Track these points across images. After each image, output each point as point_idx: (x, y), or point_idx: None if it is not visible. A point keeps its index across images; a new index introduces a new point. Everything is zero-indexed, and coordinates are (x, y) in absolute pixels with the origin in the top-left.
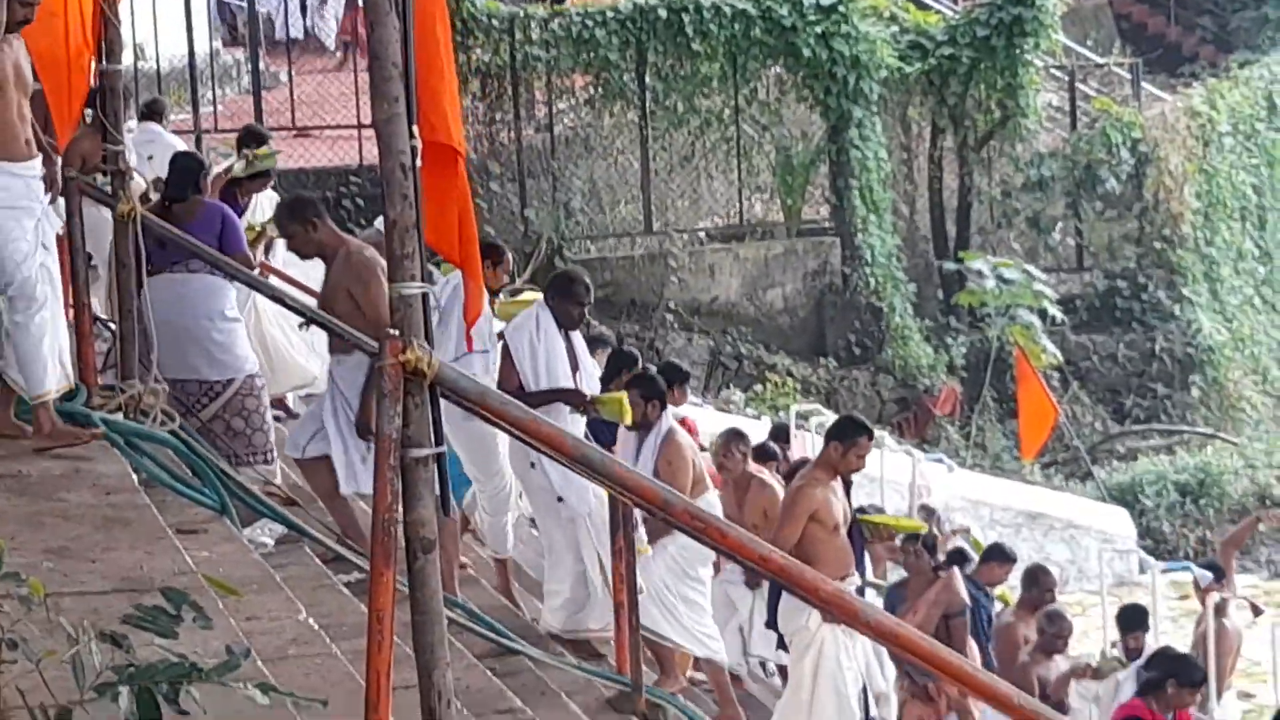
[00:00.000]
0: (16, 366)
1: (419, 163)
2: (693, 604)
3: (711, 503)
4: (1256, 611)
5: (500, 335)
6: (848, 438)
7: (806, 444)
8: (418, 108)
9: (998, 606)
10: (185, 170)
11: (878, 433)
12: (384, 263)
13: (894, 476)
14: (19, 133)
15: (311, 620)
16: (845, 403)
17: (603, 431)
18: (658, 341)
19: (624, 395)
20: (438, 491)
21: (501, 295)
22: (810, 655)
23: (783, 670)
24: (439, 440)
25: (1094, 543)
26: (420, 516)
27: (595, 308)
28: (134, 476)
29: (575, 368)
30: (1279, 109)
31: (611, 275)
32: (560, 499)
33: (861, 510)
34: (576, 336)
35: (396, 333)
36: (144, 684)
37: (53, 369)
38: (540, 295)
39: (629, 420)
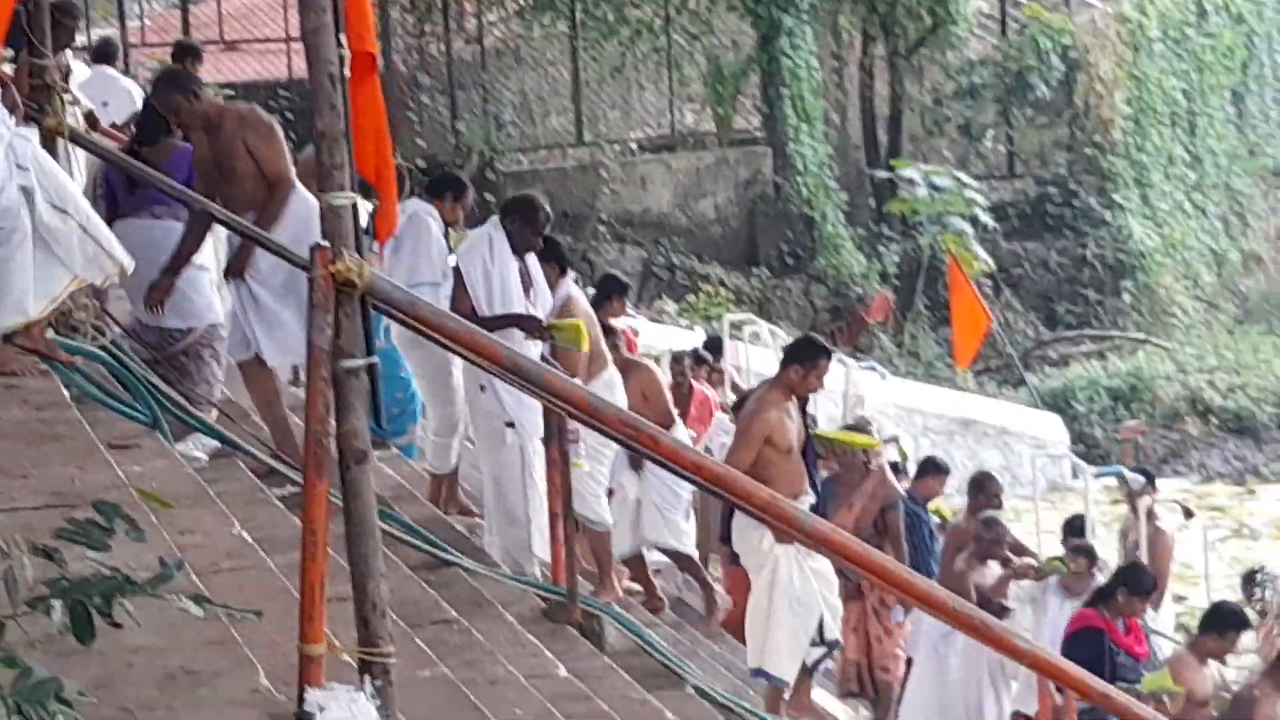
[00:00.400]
0: None
1: (347, 73)
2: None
3: (611, 381)
4: (1188, 515)
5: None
6: (807, 359)
7: (739, 353)
8: (345, 17)
9: (935, 520)
10: (156, 111)
11: None
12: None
13: (827, 384)
14: None
15: (245, 534)
16: (778, 312)
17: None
18: (590, 253)
19: (580, 322)
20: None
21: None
22: (764, 575)
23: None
24: (370, 351)
25: (1027, 449)
26: (353, 428)
27: None
28: (65, 392)
29: (528, 292)
30: (1208, 14)
31: (543, 187)
32: (510, 424)
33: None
34: (531, 260)
35: (327, 244)
36: (77, 597)
37: (27, 306)
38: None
39: (586, 346)
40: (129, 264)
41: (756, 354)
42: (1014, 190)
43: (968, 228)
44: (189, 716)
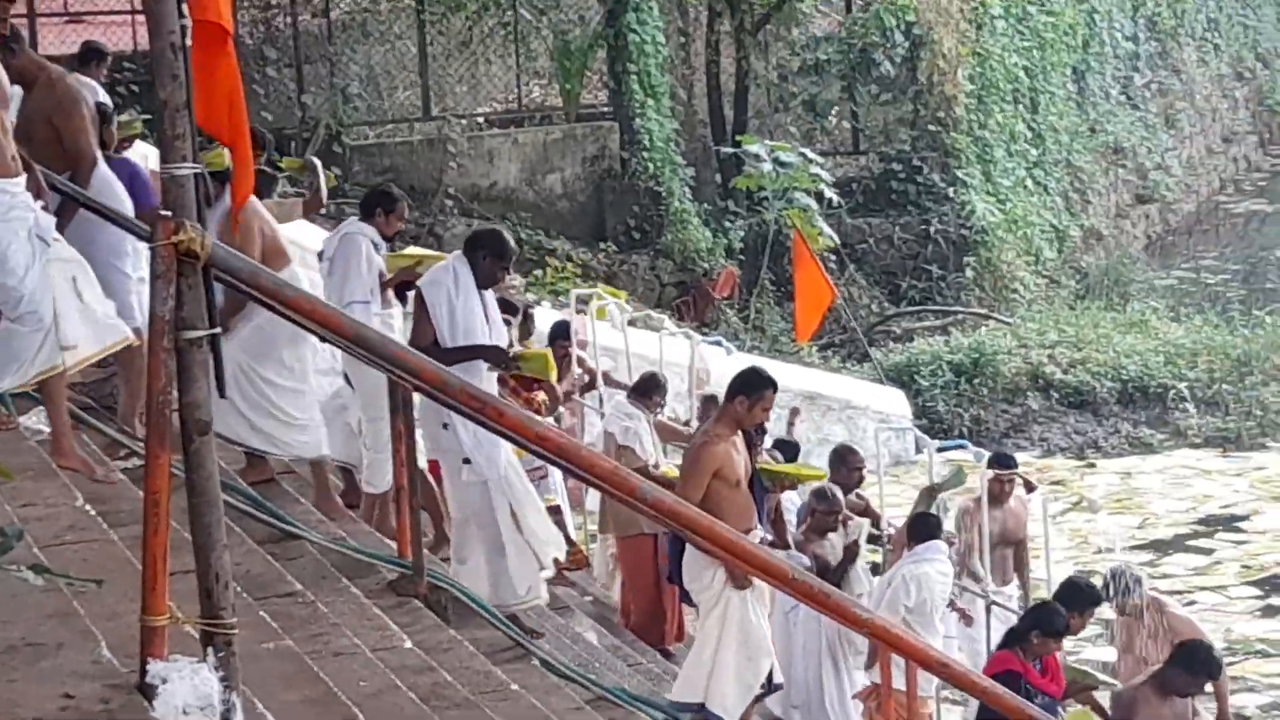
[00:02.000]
0: None
1: (189, 42)
2: (282, 390)
3: (295, 275)
4: (1029, 488)
5: (400, 289)
6: (753, 391)
7: (586, 328)
8: None
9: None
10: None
11: (656, 315)
12: (88, 98)
13: (673, 359)
14: (5, 147)
15: (88, 507)
16: (625, 286)
17: None
18: (437, 227)
19: (548, 352)
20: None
21: (387, 248)
22: (715, 613)
23: None
24: (213, 322)
25: (871, 423)
26: (195, 399)
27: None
28: None
29: (487, 324)
30: None
31: (390, 161)
32: (467, 460)
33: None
34: (488, 294)
35: (169, 213)
36: None
37: (25, 375)
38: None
39: (554, 375)
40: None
41: (603, 328)
42: (859, 166)
43: (813, 203)
44: (30, 689)
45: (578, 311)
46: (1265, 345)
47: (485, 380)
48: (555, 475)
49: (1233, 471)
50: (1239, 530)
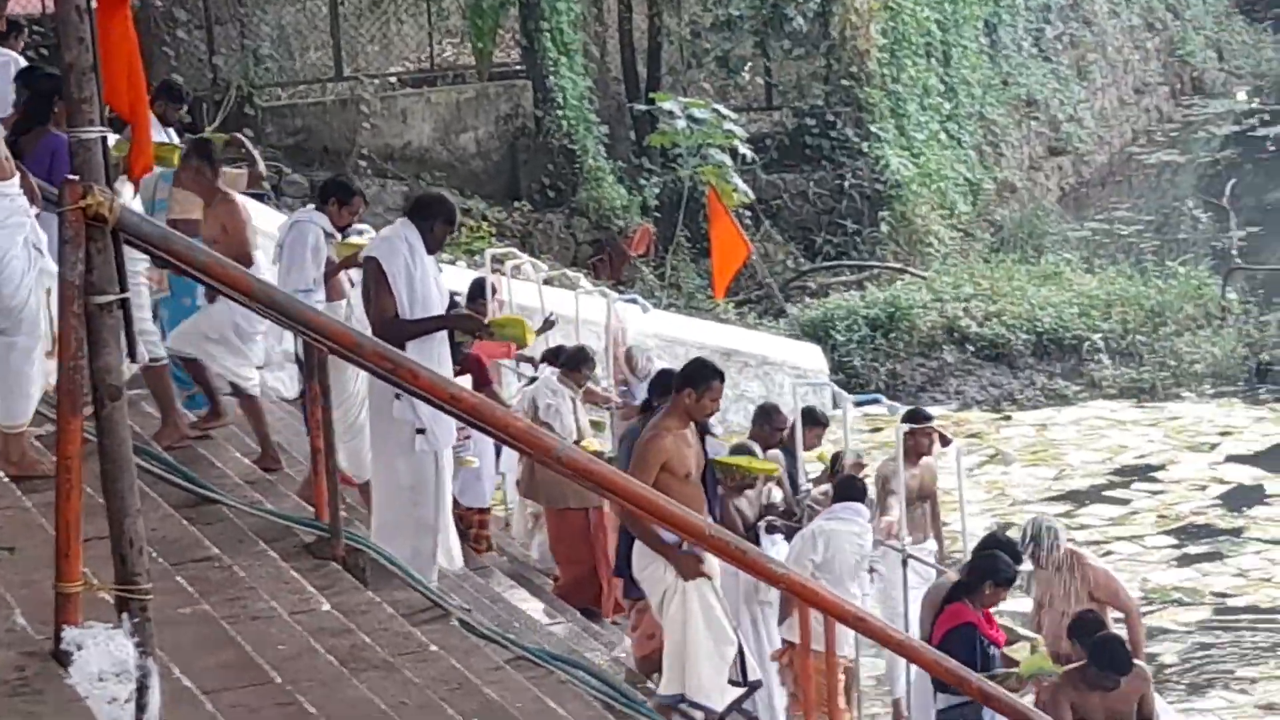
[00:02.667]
0: None
1: (94, 4)
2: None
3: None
4: (945, 442)
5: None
6: (700, 383)
7: (503, 287)
8: None
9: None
10: (41, 95)
11: (573, 274)
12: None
13: (590, 317)
14: None
15: (1, 474)
16: (540, 245)
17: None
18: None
19: (522, 318)
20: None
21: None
22: (674, 606)
23: None
24: (124, 286)
25: (787, 378)
26: (106, 364)
27: (286, 155)
28: None
29: (438, 291)
30: None
31: (303, 122)
32: (421, 430)
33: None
34: (432, 259)
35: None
36: None
37: (35, 397)
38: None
39: (531, 341)
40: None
41: (519, 287)
42: (772, 122)
43: (727, 160)
44: None
45: (494, 270)
46: (1178, 295)
47: (441, 348)
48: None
49: (1147, 422)
50: (1154, 480)
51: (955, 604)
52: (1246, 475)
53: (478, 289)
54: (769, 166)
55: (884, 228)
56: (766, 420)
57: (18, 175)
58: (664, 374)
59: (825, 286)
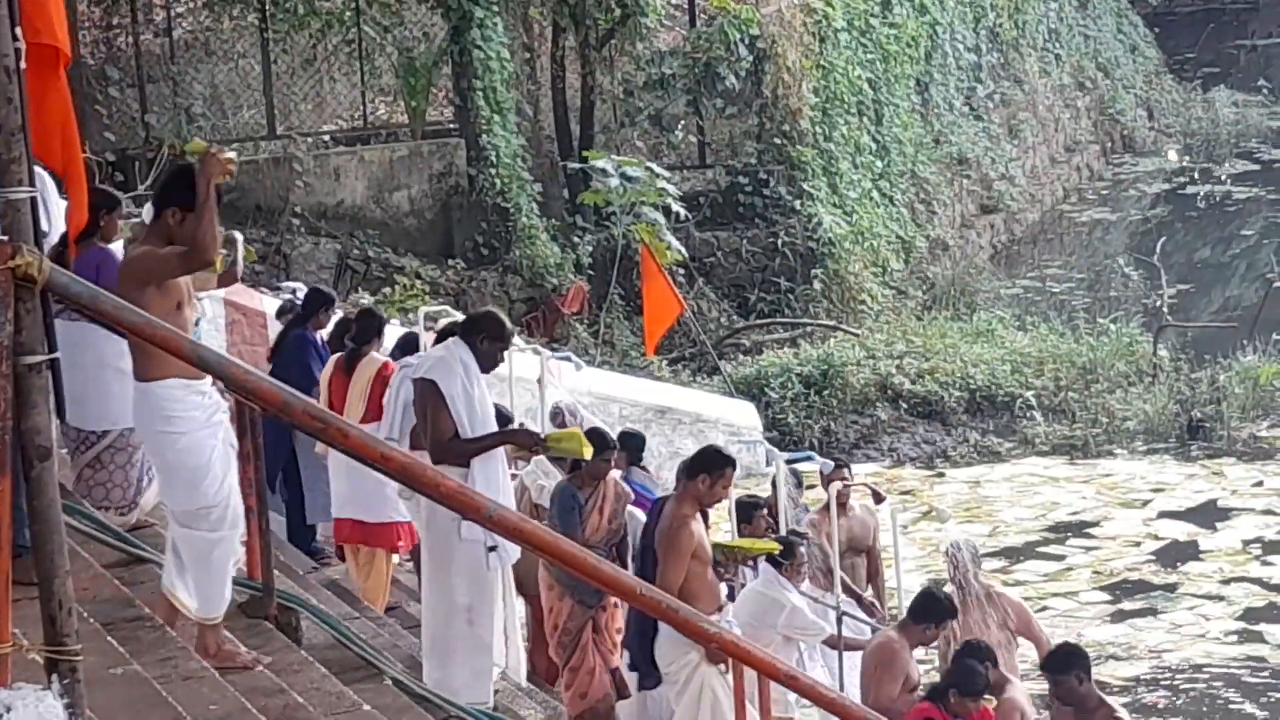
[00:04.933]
0: (190, 585)
1: (24, 65)
2: None
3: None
4: (878, 499)
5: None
6: (714, 469)
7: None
8: (20, 7)
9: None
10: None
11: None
12: None
13: (523, 375)
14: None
15: None
16: (474, 303)
17: None
18: (284, 246)
19: (579, 430)
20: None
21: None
22: (692, 691)
23: None
24: (52, 347)
25: (721, 435)
26: (35, 425)
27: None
28: None
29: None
30: (893, 5)
31: (235, 180)
32: (493, 548)
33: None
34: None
35: (5, 237)
36: None
37: (229, 588)
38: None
39: (589, 454)
40: None
41: None
42: (705, 180)
43: (660, 218)
44: None
45: (426, 329)
46: (1110, 353)
47: (503, 465)
48: None
49: (1080, 479)
50: (1089, 536)
51: (925, 703)
52: (1180, 531)
53: (410, 344)
54: (702, 224)
55: (817, 285)
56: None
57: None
58: (593, 432)
59: (759, 344)
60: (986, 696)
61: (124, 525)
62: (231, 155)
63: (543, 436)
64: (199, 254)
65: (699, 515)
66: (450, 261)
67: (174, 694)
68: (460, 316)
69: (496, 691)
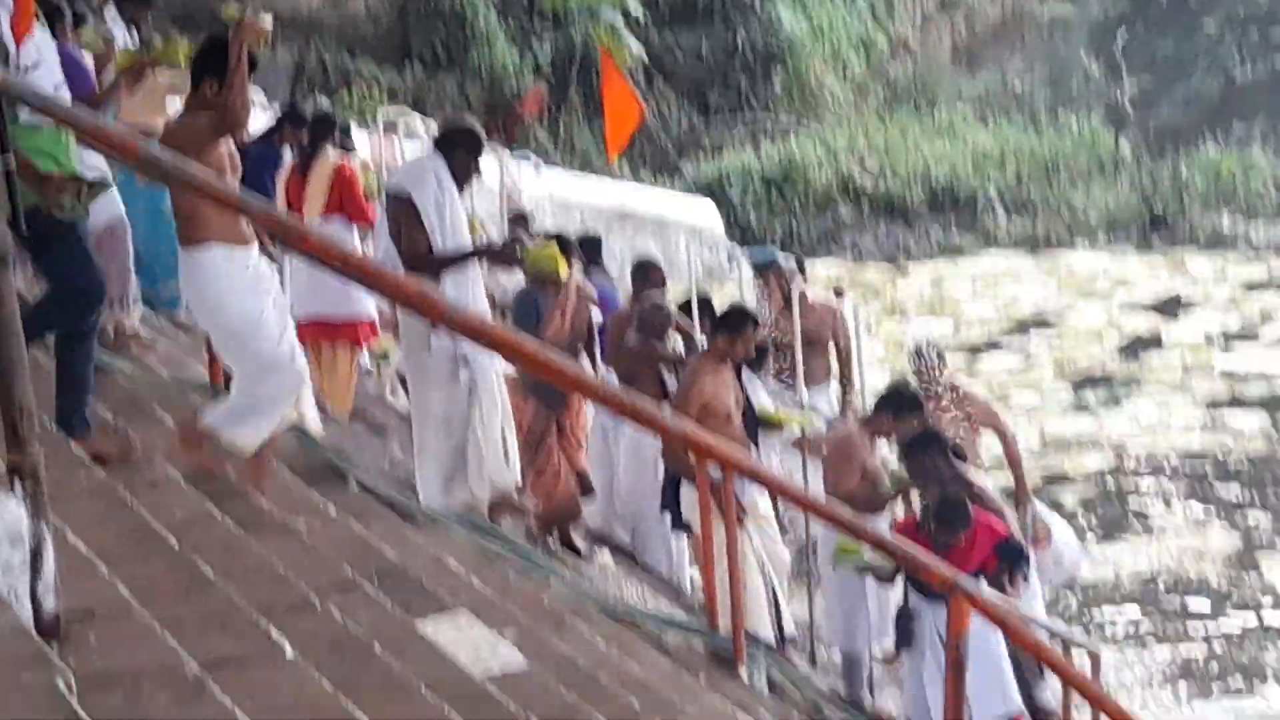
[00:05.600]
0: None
1: None
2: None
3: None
4: (839, 295)
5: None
6: (735, 328)
7: (394, 148)
8: None
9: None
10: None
11: None
12: None
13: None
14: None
15: None
16: (432, 108)
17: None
18: None
19: (553, 245)
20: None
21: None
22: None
23: None
24: (4, 146)
25: (683, 236)
26: None
27: (176, 24)
28: None
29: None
30: None
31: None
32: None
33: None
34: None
35: None
36: None
37: (260, 434)
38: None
39: (564, 272)
40: None
41: (410, 148)
42: None
43: (619, 19)
44: None
45: (386, 134)
46: (1071, 147)
47: (475, 280)
48: None
49: (1042, 272)
50: (1051, 330)
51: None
52: (1142, 323)
53: (520, 219)
54: (661, 25)
55: (778, 84)
56: (644, 277)
57: (255, 242)
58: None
59: (719, 144)
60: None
61: (121, 325)
62: (266, 23)
63: (519, 254)
64: (232, 118)
65: (722, 369)
66: (408, 65)
67: (140, 501)
68: (419, 119)
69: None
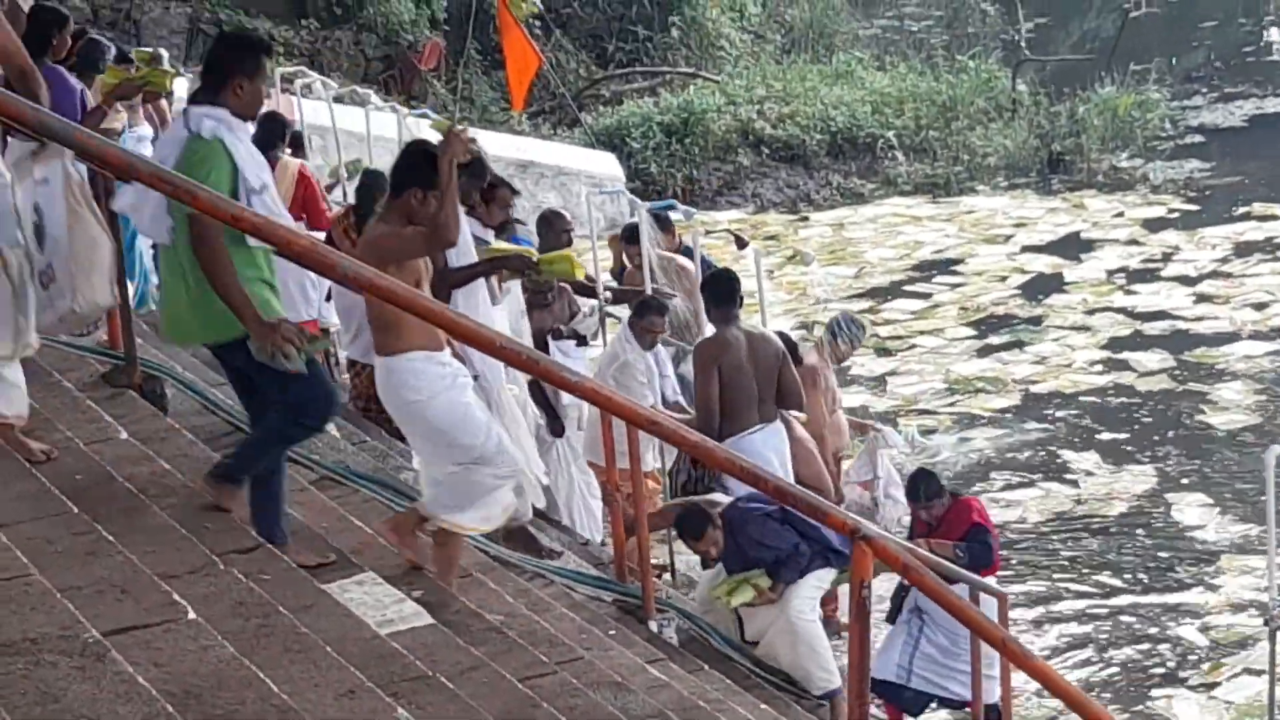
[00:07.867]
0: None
1: None
2: None
3: None
4: (741, 244)
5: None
6: (722, 305)
7: (292, 106)
8: None
9: None
10: (41, 26)
11: (363, 91)
12: None
13: (381, 134)
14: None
15: None
16: (329, 64)
17: None
18: (134, 12)
19: (570, 253)
20: None
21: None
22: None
23: None
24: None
25: (584, 187)
26: None
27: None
28: None
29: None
30: None
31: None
32: (476, 377)
33: None
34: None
35: None
36: None
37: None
38: None
39: (581, 275)
40: None
41: (309, 106)
42: None
43: None
44: None
45: (283, 91)
46: (969, 90)
47: (484, 295)
48: None
49: (943, 216)
50: (954, 273)
51: None
52: (1044, 264)
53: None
54: None
55: (675, 32)
56: (549, 227)
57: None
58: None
59: (618, 94)
60: None
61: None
62: (474, 135)
63: (534, 260)
64: (443, 234)
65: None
66: (303, 21)
67: (39, 468)
68: (315, 77)
69: None
